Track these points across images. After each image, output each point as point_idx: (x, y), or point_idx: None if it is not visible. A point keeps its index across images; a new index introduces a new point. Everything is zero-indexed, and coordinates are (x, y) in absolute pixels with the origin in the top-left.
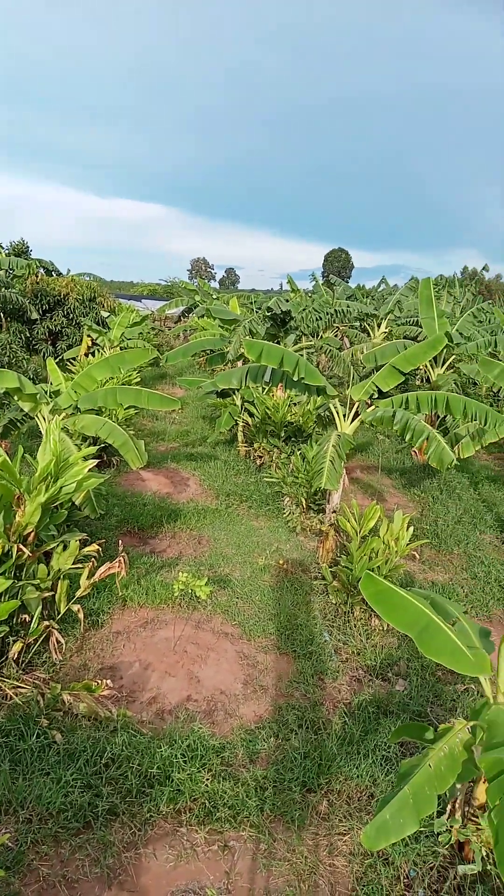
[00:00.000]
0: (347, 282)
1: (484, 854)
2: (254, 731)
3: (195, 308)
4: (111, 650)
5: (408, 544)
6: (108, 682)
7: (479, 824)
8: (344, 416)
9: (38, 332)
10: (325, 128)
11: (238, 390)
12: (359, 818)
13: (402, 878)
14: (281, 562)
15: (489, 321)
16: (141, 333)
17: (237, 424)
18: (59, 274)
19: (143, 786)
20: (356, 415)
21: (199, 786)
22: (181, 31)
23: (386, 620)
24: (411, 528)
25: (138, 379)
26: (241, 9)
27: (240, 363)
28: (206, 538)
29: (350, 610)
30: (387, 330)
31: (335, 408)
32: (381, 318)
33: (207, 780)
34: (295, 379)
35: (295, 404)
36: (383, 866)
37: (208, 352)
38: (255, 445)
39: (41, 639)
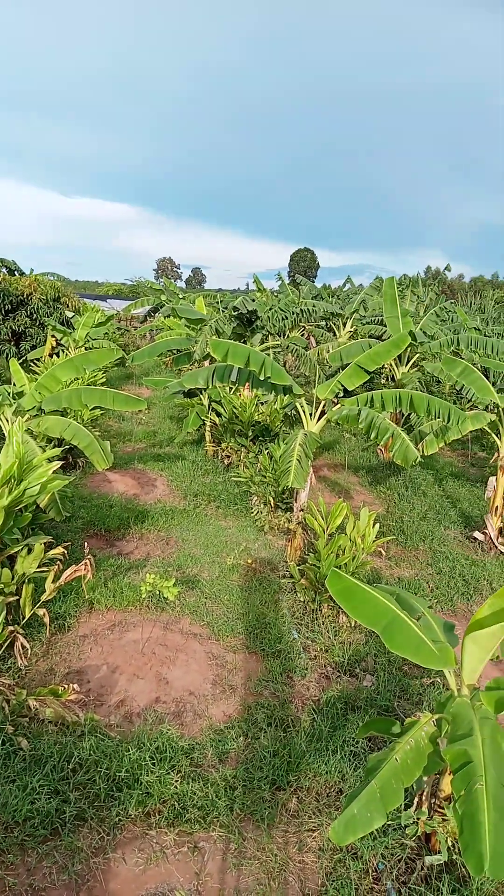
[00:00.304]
0: (313, 281)
1: (450, 844)
2: (223, 731)
3: (161, 308)
4: (78, 654)
5: (374, 541)
6: (75, 686)
7: (445, 815)
8: (310, 414)
9: (0, 333)
10: (292, 129)
11: (205, 390)
12: (328, 814)
13: (370, 871)
14: (249, 561)
15: (452, 320)
16: (106, 333)
17: (204, 424)
18: (22, 273)
19: (111, 790)
20: (322, 413)
21: (169, 788)
22: (146, 27)
23: (352, 616)
24: (377, 525)
25: (104, 379)
26: (206, 6)
27: (206, 363)
28: (173, 539)
29: (318, 607)
30: (352, 329)
31: (301, 407)
32: (347, 318)
33: (177, 781)
34: (261, 378)
35: (262, 403)
36: (352, 860)
37: (175, 352)
38: (223, 445)
39: (6, 644)
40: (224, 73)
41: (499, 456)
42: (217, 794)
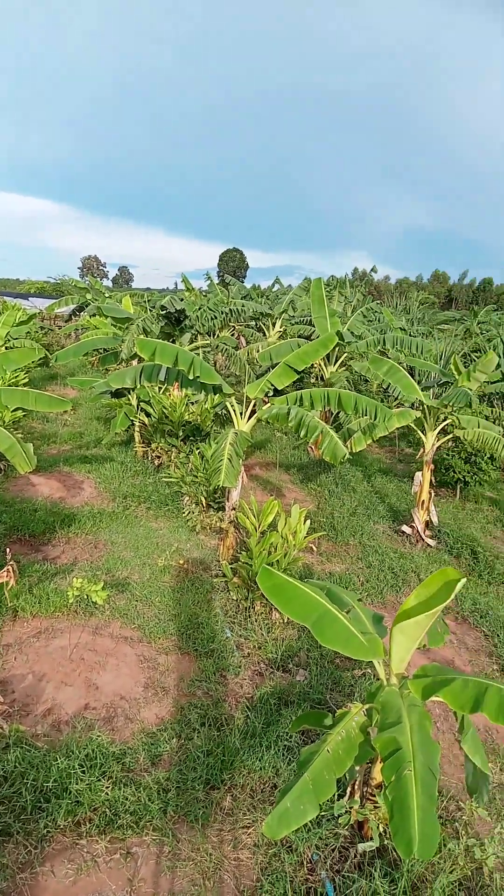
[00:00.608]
0: (243, 281)
1: (381, 830)
2: (156, 733)
3: (87, 306)
4: (1, 664)
5: (305, 537)
6: None
7: (377, 803)
8: (241, 413)
9: None
10: (222, 129)
11: (133, 390)
12: (262, 809)
13: (305, 862)
14: (181, 562)
15: (378, 320)
16: (28, 333)
17: (133, 425)
18: None
19: (38, 801)
20: (253, 412)
21: (99, 795)
22: (75, 24)
23: (283, 612)
24: (308, 522)
25: (26, 380)
26: (134, 4)
27: (135, 362)
28: (102, 542)
29: (251, 605)
30: (281, 329)
31: (232, 406)
32: (276, 318)
33: (107, 788)
34: (190, 378)
35: (193, 403)
36: (287, 854)
37: (101, 351)
38: (153, 446)
39: None
40: (153, 71)
41: (424, 452)
42: (150, 797)
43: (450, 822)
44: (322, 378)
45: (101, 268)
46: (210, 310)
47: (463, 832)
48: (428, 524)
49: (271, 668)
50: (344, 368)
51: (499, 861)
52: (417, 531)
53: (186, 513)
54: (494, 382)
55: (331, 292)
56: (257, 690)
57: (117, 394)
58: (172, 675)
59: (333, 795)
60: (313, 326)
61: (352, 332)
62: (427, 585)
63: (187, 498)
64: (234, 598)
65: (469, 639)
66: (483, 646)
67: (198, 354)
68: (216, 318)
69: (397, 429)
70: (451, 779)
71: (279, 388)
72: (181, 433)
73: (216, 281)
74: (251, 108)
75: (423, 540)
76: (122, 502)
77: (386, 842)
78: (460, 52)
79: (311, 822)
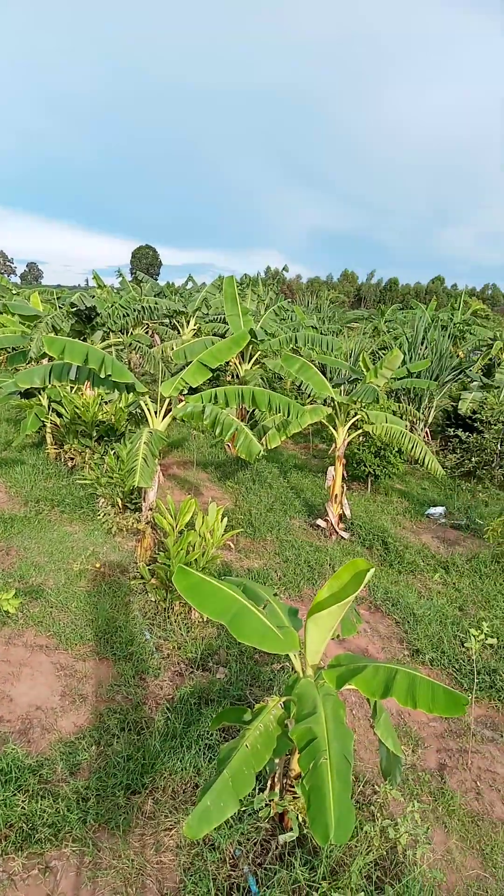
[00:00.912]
0: (156, 279)
1: (301, 820)
2: (74, 742)
3: None
4: None
5: (223, 535)
6: None
7: (296, 793)
8: (155, 412)
9: None
10: (135, 124)
11: (44, 390)
12: (185, 810)
13: (227, 859)
14: (98, 565)
15: (291, 319)
16: None
17: (45, 426)
18: None
19: None
20: (168, 411)
21: (15, 810)
22: None
23: (200, 611)
24: (226, 519)
25: None
26: None
27: (45, 361)
28: (14, 548)
29: (170, 605)
30: (195, 327)
31: (146, 405)
32: (190, 316)
33: (23, 802)
34: (102, 376)
35: (106, 403)
36: (209, 852)
37: (10, 350)
38: (66, 447)
39: None
40: (59, 61)
41: (336, 447)
42: (69, 808)
43: (366, 806)
44: (237, 376)
45: (7, 264)
46: (122, 307)
47: (378, 814)
48: (341, 517)
49: (191, 667)
50: (258, 366)
51: (411, 838)
52: (331, 524)
53: (102, 515)
54: (401, 379)
55: (243, 290)
56: (177, 691)
57: (27, 394)
58: (90, 681)
59: (254, 789)
60: (227, 324)
61: (265, 331)
62: (338, 577)
63: (103, 500)
64: (153, 599)
65: (382, 627)
66: (395, 632)
67: (110, 353)
68: (129, 315)
69: (311, 425)
70: (368, 764)
71: (194, 387)
72: (95, 433)
73: (129, 278)
74: (161, 104)
75: (337, 533)
76: (35, 506)
77: (306, 831)
78: (371, 53)
79: (232, 817)
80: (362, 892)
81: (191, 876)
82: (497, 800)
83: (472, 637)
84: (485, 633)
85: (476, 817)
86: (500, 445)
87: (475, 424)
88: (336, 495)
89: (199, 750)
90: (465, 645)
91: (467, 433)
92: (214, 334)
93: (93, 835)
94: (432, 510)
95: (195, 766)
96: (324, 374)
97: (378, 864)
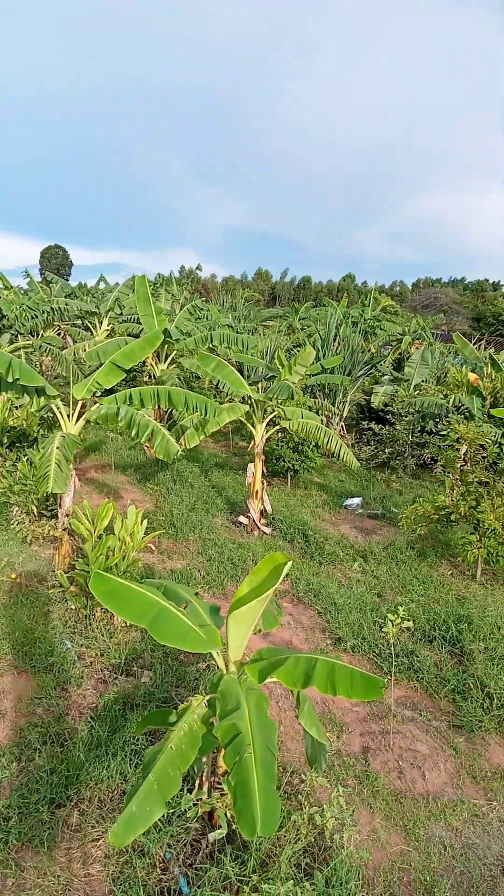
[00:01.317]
0: (67, 279)
1: (229, 816)
2: None
3: None
4: None
5: (143, 538)
6: None
7: (224, 790)
8: (68, 416)
9: None
10: (39, 119)
11: None
12: (112, 819)
13: (157, 863)
14: (13, 576)
15: (206, 318)
16: None
17: None
18: None
19: None
20: (82, 414)
21: None
22: None
23: (119, 616)
24: (146, 522)
25: None
26: None
27: None
28: None
29: (91, 612)
30: (109, 327)
31: (58, 408)
32: (103, 316)
33: None
34: (10, 380)
35: (17, 407)
36: (139, 858)
37: None
38: None
39: None
40: None
41: (255, 444)
42: None
43: (294, 795)
44: (154, 376)
45: None
46: (30, 308)
47: (305, 802)
48: (263, 513)
49: (115, 673)
50: (175, 366)
51: (338, 822)
52: (253, 520)
53: (16, 524)
54: (315, 375)
55: (157, 290)
56: (101, 699)
57: None
58: (9, 696)
59: (182, 790)
60: (142, 324)
61: (179, 330)
62: (257, 572)
63: (17, 508)
64: (74, 607)
65: (304, 618)
66: (317, 623)
67: (18, 356)
68: (37, 317)
69: (230, 423)
70: (295, 753)
71: (108, 388)
72: (6, 440)
73: (38, 279)
74: (70, 100)
75: (259, 528)
76: None
77: (235, 826)
78: (285, 54)
79: (161, 820)
80: (291, 881)
81: (120, 885)
82: (418, 776)
83: (390, 622)
84: (401, 617)
85: (399, 795)
86: (412, 436)
87: (387, 417)
88: (257, 491)
89: (126, 756)
90: (383, 630)
91: (380, 426)
92: (129, 334)
93: (15, 855)
94: (349, 501)
95: (122, 773)
96: (241, 372)
97: (307, 850)
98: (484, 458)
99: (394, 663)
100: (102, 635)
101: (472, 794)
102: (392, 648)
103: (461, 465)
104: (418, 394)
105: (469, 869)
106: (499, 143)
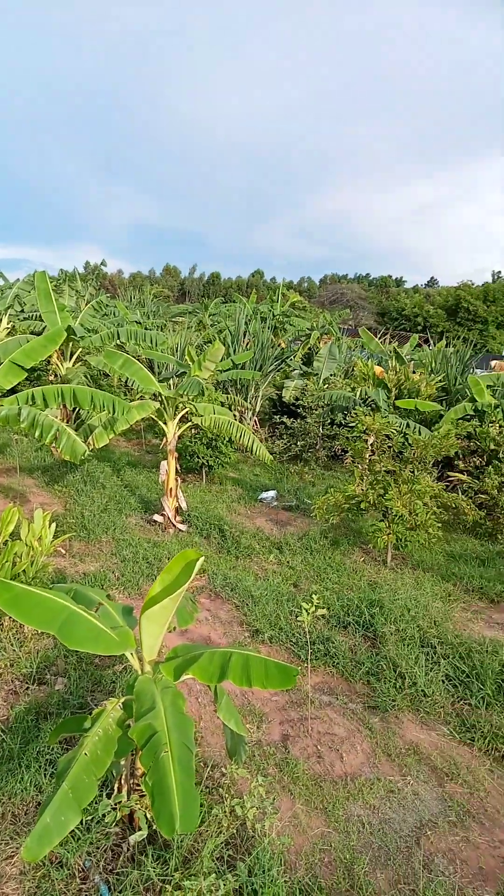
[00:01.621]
0: None
1: (149, 817)
2: None
3: None
4: None
5: (52, 541)
6: None
7: (143, 792)
8: None
9: None
10: None
11: None
12: (27, 833)
13: (77, 873)
14: None
15: (113, 314)
16: None
17: None
18: None
19: None
20: None
21: None
22: None
23: (25, 623)
24: (54, 525)
25: None
26: None
27: None
28: None
29: None
30: (9, 325)
31: None
32: (3, 314)
33: None
34: None
35: None
36: (56, 870)
37: None
38: None
39: None
40: None
41: (167, 441)
42: None
43: (215, 789)
44: (59, 375)
45: None
46: None
47: (227, 795)
48: (178, 510)
49: (27, 683)
50: (80, 364)
51: (259, 812)
52: (168, 518)
53: None
54: (227, 370)
55: (60, 286)
56: (12, 710)
57: None
58: None
59: (99, 795)
60: (44, 322)
61: (84, 327)
62: (169, 570)
63: None
64: None
65: (222, 612)
66: (235, 616)
67: None
68: None
69: (143, 420)
70: (215, 748)
71: (8, 388)
72: None
73: None
74: None
75: (175, 526)
76: None
77: (155, 827)
78: (190, 50)
79: (79, 829)
80: (213, 874)
81: None
82: (336, 759)
83: (305, 611)
84: (315, 606)
85: (318, 779)
86: (322, 429)
87: (299, 411)
88: (171, 489)
89: (40, 767)
90: (298, 619)
91: (292, 419)
92: (32, 332)
93: None
94: (264, 494)
95: (36, 785)
96: (152, 369)
97: (229, 843)
98: (390, 447)
99: (310, 651)
100: (12, 644)
101: (387, 772)
102: (308, 636)
103: (369, 456)
104: (327, 387)
105: (386, 843)
106: (395, 144)
